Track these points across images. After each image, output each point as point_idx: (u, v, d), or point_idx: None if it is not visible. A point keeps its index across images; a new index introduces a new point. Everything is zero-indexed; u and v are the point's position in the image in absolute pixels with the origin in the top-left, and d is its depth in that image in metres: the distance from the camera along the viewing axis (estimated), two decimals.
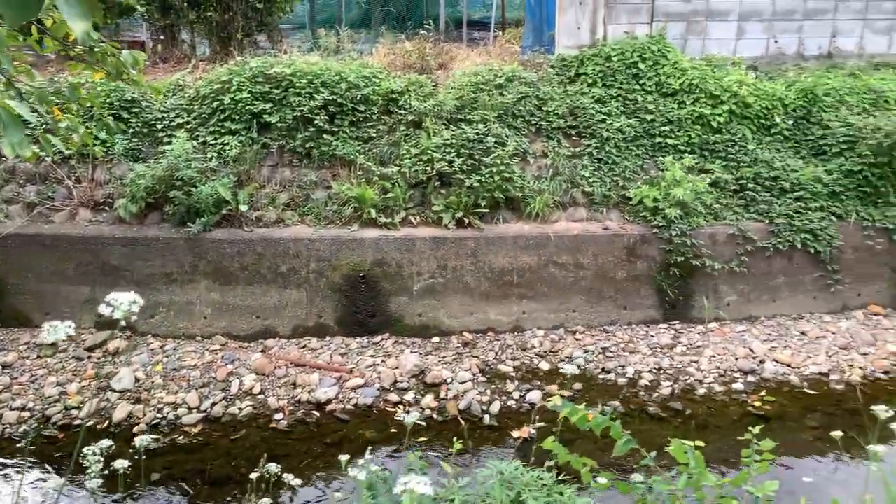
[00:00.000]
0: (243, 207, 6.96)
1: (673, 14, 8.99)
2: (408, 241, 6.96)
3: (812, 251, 7.50)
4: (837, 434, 3.34)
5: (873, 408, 2.60)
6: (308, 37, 13.47)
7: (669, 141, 8.07)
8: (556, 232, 7.28)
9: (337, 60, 8.74)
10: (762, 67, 9.26)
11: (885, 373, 6.55)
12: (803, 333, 7.16)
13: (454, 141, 7.47)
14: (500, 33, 12.80)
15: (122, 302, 1.36)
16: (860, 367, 6.57)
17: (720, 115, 8.14)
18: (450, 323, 7.01)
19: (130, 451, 3.24)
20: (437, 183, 7.38)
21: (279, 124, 7.56)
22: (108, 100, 7.48)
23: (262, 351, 6.58)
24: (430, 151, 7.44)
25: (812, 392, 6.26)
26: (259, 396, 5.91)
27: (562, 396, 2.62)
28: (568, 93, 8.37)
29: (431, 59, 8.91)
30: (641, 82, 8.45)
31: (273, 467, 2.82)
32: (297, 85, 7.63)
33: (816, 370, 6.54)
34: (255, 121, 7.57)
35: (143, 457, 2.98)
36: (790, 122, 8.33)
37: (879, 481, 2.79)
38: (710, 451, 5.57)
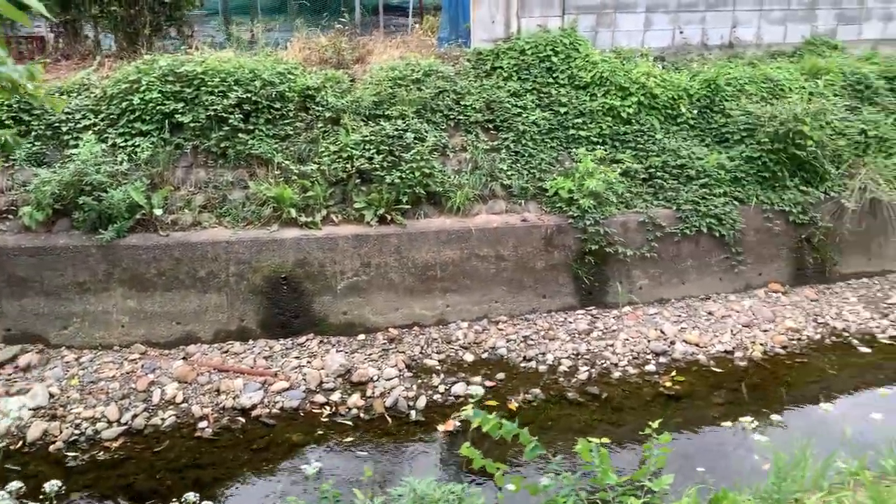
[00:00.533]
0: (158, 212, 6.79)
1: (583, 7, 9.23)
2: (330, 241, 6.97)
3: (717, 235, 7.94)
4: (728, 424, 3.60)
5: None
6: (221, 27, 13.10)
7: (582, 133, 8.33)
8: (477, 225, 7.43)
9: (251, 55, 8.58)
10: (669, 58, 9.65)
11: (784, 347, 7.04)
12: (710, 313, 7.59)
13: (373, 137, 7.49)
14: (419, 20, 12.79)
15: (12, 409, 1.37)
16: (761, 344, 7.04)
17: (629, 106, 8.45)
18: (375, 319, 7.08)
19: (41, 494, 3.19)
20: (358, 180, 7.39)
21: (192, 124, 7.38)
22: (6, 102, 7.11)
23: (184, 358, 6.47)
24: (349, 148, 7.44)
25: (718, 370, 6.68)
26: (182, 405, 5.84)
27: (474, 406, 2.75)
28: (484, 87, 8.50)
29: (348, 53, 8.86)
30: (555, 75, 8.67)
31: (192, 496, 2.84)
32: (210, 83, 7.46)
33: (722, 348, 6.97)
34: (166, 121, 7.36)
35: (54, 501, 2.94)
36: (695, 111, 8.74)
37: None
38: (625, 433, 5.91)
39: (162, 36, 9.51)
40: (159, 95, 7.35)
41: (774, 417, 5.91)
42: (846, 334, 7.29)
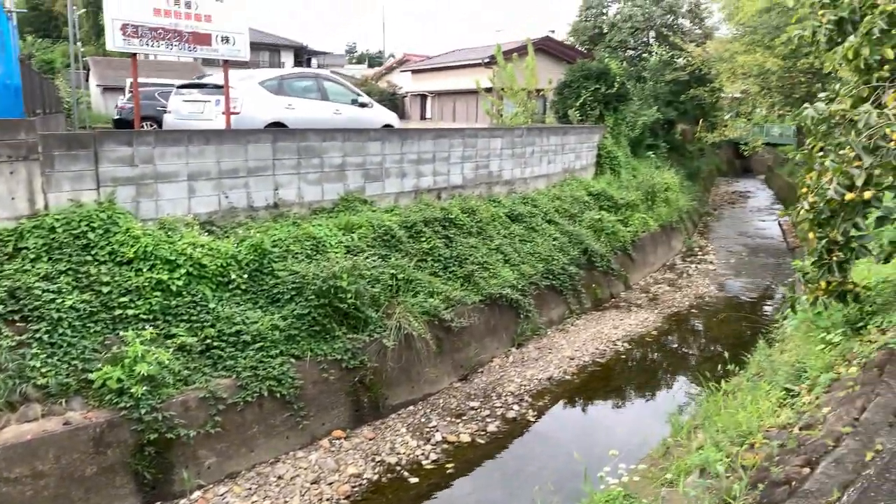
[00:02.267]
0: None
1: (121, 179, 9.03)
2: None
3: (279, 395, 8.27)
4: None
5: None
6: None
7: (130, 312, 7.98)
8: (5, 442, 6.41)
9: None
10: (218, 222, 9.99)
11: (347, 497, 7.55)
12: (280, 477, 7.76)
13: None
14: None
15: None
16: (328, 500, 7.44)
17: (178, 278, 8.43)
18: None
19: None
20: None
21: None
22: None
23: None
24: None
25: None
26: None
27: None
28: (6, 272, 7.57)
29: None
30: (93, 253, 8.20)
31: None
32: None
33: None
34: None
35: None
36: (245, 276, 9.14)
37: None
38: None
39: None
40: None
41: None
42: (399, 468, 8.18)
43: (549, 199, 16.67)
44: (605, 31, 34.87)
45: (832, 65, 6.88)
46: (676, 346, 13.51)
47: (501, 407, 9.81)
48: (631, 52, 35.09)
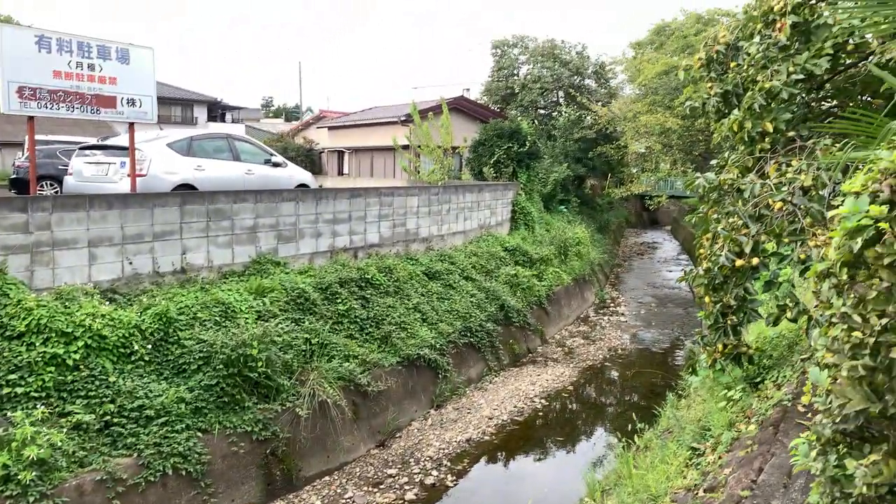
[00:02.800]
0: None
1: (14, 247, 8.53)
2: None
3: (184, 473, 7.84)
4: None
5: None
6: None
7: (19, 390, 7.44)
8: None
9: None
10: (121, 289, 9.56)
11: None
12: None
13: None
14: None
15: None
16: None
17: (75, 352, 7.96)
18: None
19: None
20: None
21: None
22: None
23: None
24: None
25: None
26: None
27: None
28: None
29: None
30: None
31: None
32: None
33: None
34: None
35: None
36: (149, 346, 8.73)
37: None
38: None
39: None
40: None
41: None
42: None
43: (465, 255, 16.87)
44: (517, 91, 36.22)
45: (719, 136, 7.37)
46: (593, 398, 13.75)
47: (420, 473, 9.63)
48: (541, 112, 36.53)
